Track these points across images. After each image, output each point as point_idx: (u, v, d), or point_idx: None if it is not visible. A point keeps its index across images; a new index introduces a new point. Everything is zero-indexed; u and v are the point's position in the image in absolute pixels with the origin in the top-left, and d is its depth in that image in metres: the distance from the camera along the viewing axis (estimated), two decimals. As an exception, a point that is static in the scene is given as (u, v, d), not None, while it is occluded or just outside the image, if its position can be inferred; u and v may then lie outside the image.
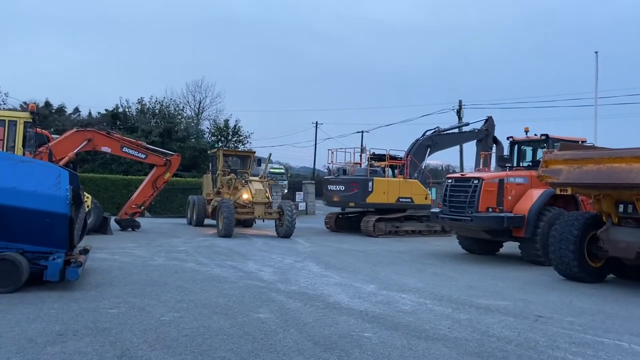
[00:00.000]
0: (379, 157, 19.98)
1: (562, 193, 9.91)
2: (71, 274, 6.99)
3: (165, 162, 17.08)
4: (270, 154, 20.01)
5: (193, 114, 45.33)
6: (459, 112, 35.08)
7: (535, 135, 13.41)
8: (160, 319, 5.78)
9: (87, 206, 14.84)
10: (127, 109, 36.59)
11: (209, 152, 21.81)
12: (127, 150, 16.32)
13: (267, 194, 16.54)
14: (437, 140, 20.55)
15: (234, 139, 38.96)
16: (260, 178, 17.92)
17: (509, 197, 12.10)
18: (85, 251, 8.42)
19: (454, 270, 10.57)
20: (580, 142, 12.52)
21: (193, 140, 35.27)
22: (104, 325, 5.44)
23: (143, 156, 16.80)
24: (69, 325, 5.40)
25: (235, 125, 38.70)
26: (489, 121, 20.33)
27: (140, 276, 8.47)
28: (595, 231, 9.41)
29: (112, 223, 15.91)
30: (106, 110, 35.86)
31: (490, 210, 11.93)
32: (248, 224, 20.02)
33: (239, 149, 39.51)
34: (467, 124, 23.05)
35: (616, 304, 7.66)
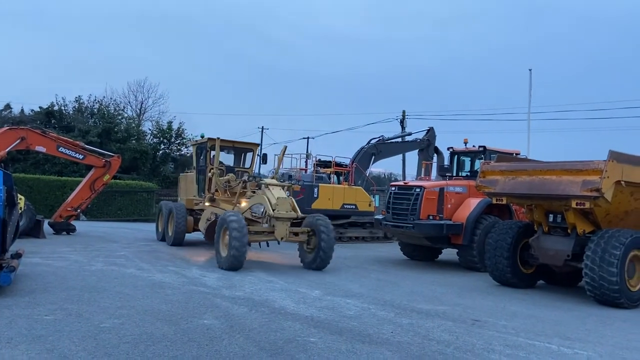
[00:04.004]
0: (325, 164, 20.21)
1: (497, 202, 10.42)
2: (3, 279, 6.64)
3: (104, 163, 16.49)
4: (286, 147, 13.43)
5: (134, 114, 43.92)
6: (402, 122, 36.01)
7: (474, 146, 14.01)
8: (99, 325, 5.59)
9: (20, 208, 14.09)
10: (63, 107, 34.96)
11: (190, 142, 15.32)
12: (63, 150, 15.63)
13: (293, 205, 10.82)
14: (381, 148, 21.05)
15: (176, 142, 38.09)
16: (272, 178, 12.68)
17: (449, 206, 12.57)
18: (17, 255, 8.00)
19: (396, 276, 10.85)
20: (514, 155, 13.20)
21: (134, 141, 34.14)
22: (39, 332, 5.19)
23: (81, 157, 16.14)
24: (2, 332, 5.12)
25: (179, 128, 37.85)
26: (431, 132, 21.06)
27: (77, 282, 8.14)
28: (528, 239, 9.95)
29: (46, 226, 15.15)
30: (40, 107, 34.08)
31: (430, 217, 12.33)
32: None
33: (184, 147, 38.73)
34: (409, 134, 23.80)
35: (546, 309, 8.14)
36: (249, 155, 14.93)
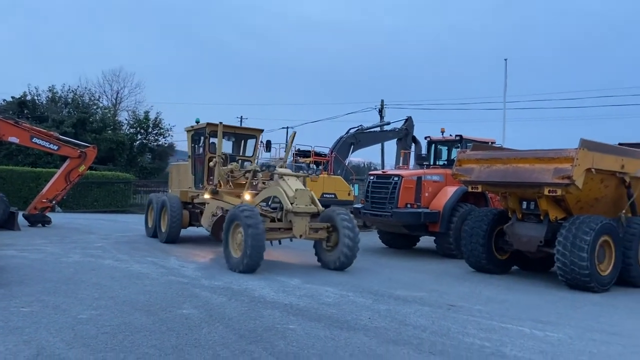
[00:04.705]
0: (304, 153, 20.22)
1: (473, 190, 10.60)
2: (-24, 272, 6.49)
3: (79, 154, 16.22)
4: (295, 133, 12.23)
5: (110, 104, 43.18)
6: (381, 111, 36.19)
7: (451, 135, 14.19)
8: (77, 317, 5.56)
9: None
10: (36, 97, 34.20)
11: (185, 128, 13.67)
12: (37, 141, 15.33)
13: (312, 198, 9.82)
14: (360, 138, 21.13)
15: (154, 132, 37.63)
16: (281, 164, 11.50)
17: (426, 194, 12.74)
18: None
19: (375, 264, 10.98)
20: (490, 143, 13.42)
21: (110, 131, 33.61)
22: (16, 324, 5.15)
23: (55, 147, 15.85)
24: (-25, 326, 5.06)
25: (156, 118, 37.36)
26: (409, 121, 21.21)
27: (53, 274, 8.06)
28: (502, 226, 10.17)
29: (20, 218, 14.88)
30: (12, 97, 33.25)
31: (408, 206, 12.49)
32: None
33: (158, 140, 38.24)
34: (388, 123, 23.92)
35: (519, 293, 8.36)
36: (250, 142, 13.42)
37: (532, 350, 5.08)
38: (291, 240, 9.96)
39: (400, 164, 16.87)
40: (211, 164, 11.71)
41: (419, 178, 12.77)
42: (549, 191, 8.78)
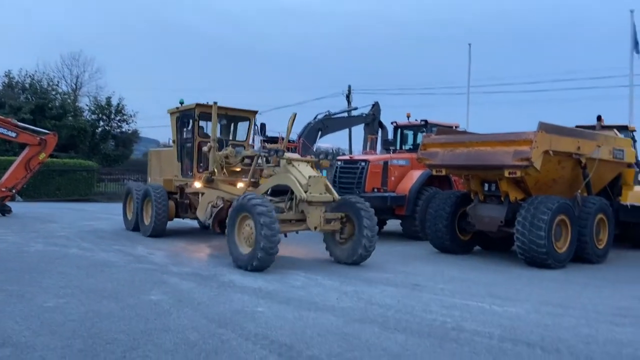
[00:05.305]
0: (272, 140, 20.18)
1: (437, 174, 10.85)
2: None
3: (39, 141, 15.76)
4: (295, 114, 10.41)
5: (70, 89, 41.90)
6: (348, 96, 36.32)
7: (416, 120, 14.43)
8: (43, 305, 5.51)
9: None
10: (-9, 83, 32.90)
11: (169, 110, 12.42)
12: (-6, 128, 14.81)
13: (327, 185, 8.83)
14: (327, 123, 21.21)
15: (117, 118, 36.77)
16: (279, 145, 10.50)
17: (392, 178, 12.96)
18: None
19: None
20: (454, 127, 13.71)
21: (70, 118, 32.68)
22: (-22, 315, 5.07)
23: (13, 135, 15.37)
24: None
25: (118, 104, 36.49)
26: (376, 106, 21.39)
27: (16, 263, 7.91)
28: (465, 208, 10.48)
29: (-22, 208, 14.42)
30: (-35, 83, 31.94)
31: (375, 190, 12.69)
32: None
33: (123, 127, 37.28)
34: (355, 109, 24.05)
35: (480, 272, 8.68)
36: (242, 125, 12.36)
37: (491, 325, 5.32)
38: (297, 233, 9.17)
39: (368, 149, 17.05)
40: (205, 149, 10.53)
41: (386, 163, 12.96)
42: (509, 173, 9.08)
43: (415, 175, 12.92)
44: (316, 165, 9.46)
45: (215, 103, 10.32)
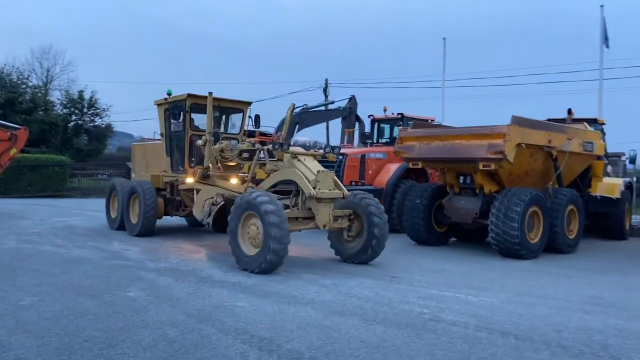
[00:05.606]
0: (250, 133, 20.06)
1: (414, 167, 10.98)
2: None
3: (9, 136, 15.34)
4: (294, 105, 11.18)
5: (40, 83, 40.85)
6: (325, 90, 36.30)
7: (393, 114, 14.54)
8: (17, 303, 5.41)
9: None
10: (-42, 76, 31.87)
11: (156, 102, 11.76)
12: (-39, 122, 14.38)
13: (335, 181, 8.34)
14: (305, 117, 21.12)
15: (89, 112, 36.06)
16: (277, 137, 9.67)
17: (370, 172, 13.06)
18: None
19: (321, 240, 11.16)
20: (430, 121, 13.87)
21: (41, 112, 31.92)
22: (-51, 315, 4.95)
23: (-18, 130, 14.92)
24: None
25: (91, 97, 35.78)
26: (352, 100, 21.39)
27: (-12, 262, 7.72)
28: (441, 200, 10.64)
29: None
30: None
31: (353, 183, 12.77)
32: (195, 221, 11.66)
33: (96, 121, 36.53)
34: (332, 102, 24.04)
35: (456, 263, 8.83)
36: (234, 117, 11.77)
37: (467, 315, 5.44)
38: (300, 232, 8.65)
39: (345, 143, 17.10)
40: (199, 142, 9.89)
41: (363, 156, 13.05)
42: (484, 166, 9.26)
43: (392, 168, 13.04)
44: (322, 159, 9.07)
45: (210, 93, 9.80)
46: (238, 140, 10.88)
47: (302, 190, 8.05)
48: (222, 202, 9.28)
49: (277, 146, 8.48)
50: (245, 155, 9.53)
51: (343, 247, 8.65)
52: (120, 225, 11.67)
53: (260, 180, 9.22)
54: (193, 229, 12.85)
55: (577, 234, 10.48)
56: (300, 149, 9.33)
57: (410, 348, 4.37)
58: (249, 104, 11.68)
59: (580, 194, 10.92)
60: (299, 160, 8.40)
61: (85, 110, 35.67)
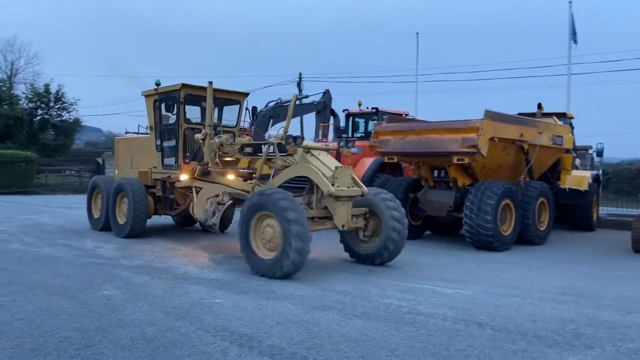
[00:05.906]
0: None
1: (389, 161, 11.06)
2: None
3: (-27, 131, 14.83)
4: (296, 96, 9.80)
5: (4, 76, 39.52)
6: (299, 84, 36.19)
7: (367, 108, 14.60)
8: (-14, 305, 5.24)
9: None
10: None
11: (143, 93, 10.87)
12: None
13: (354, 178, 7.84)
14: (279, 111, 20.99)
15: (56, 106, 35.10)
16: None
17: (345, 166, 13.05)
18: None
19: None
20: (404, 115, 13.98)
21: (6, 106, 30.92)
22: None
23: (-57, 124, 14.37)
24: None
25: (58, 91, 34.81)
26: (327, 94, 21.36)
27: (-47, 262, 7.45)
28: (416, 194, 10.74)
29: None
30: None
31: (328, 178, 12.74)
32: (186, 221, 11.62)
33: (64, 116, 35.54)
34: (307, 96, 23.98)
35: (431, 256, 8.95)
36: (230, 109, 10.95)
37: (444, 307, 5.52)
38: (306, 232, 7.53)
39: (320, 137, 17.09)
40: (198, 136, 9.14)
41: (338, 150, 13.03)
42: (457, 159, 9.39)
43: (367, 162, 13.09)
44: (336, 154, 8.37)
45: (210, 83, 9.04)
46: (234, 134, 10.33)
47: (316, 187, 7.54)
48: (230, 202, 8.56)
49: (290, 140, 7.68)
50: (248, 149, 8.77)
51: (359, 248, 8.05)
52: (105, 226, 10.89)
53: (265, 177, 8.72)
54: (182, 228, 12.44)
55: (548, 225, 10.74)
56: (314, 143, 8.76)
57: (389, 341, 4.41)
58: (246, 94, 10.95)
59: (550, 187, 11.19)
60: (312, 155, 7.78)
61: (51, 104, 34.72)
